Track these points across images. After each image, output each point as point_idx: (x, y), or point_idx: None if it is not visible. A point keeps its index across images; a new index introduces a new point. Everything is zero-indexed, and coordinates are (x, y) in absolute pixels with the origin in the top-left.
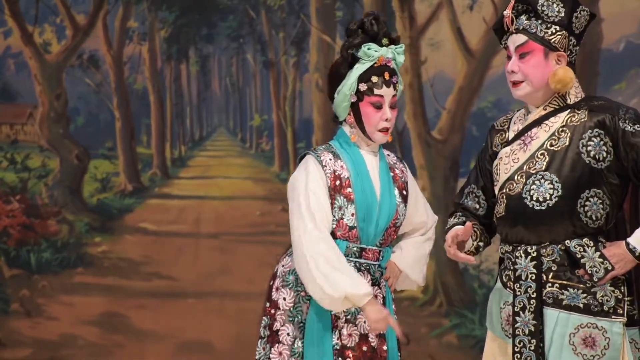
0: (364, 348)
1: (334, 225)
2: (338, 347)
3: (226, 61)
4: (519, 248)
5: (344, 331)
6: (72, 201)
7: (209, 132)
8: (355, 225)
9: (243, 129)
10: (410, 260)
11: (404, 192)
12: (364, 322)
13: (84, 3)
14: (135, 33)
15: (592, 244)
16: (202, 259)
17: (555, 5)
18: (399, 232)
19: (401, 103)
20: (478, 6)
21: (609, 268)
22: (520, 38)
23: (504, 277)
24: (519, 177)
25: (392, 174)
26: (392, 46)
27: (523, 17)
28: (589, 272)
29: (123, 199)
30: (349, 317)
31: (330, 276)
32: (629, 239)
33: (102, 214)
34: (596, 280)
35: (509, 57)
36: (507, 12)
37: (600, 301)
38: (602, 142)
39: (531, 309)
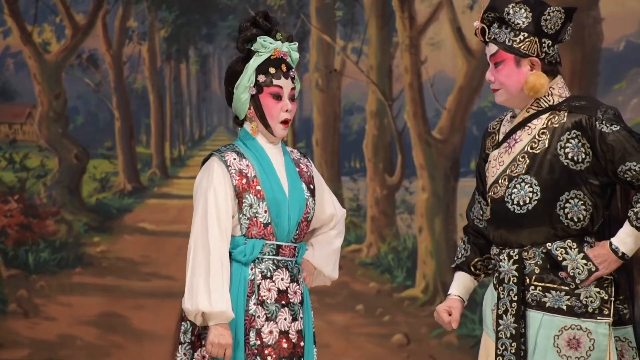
0: (284, 345)
1: (248, 225)
2: (257, 347)
3: (226, 61)
4: (503, 251)
5: (265, 329)
6: (71, 201)
7: (208, 131)
8: (270, 221)
9: None
10: (324, 257)
11: (311, 187)
12: (284, 319)
13: (83, 3)
14: (134, 33)
15: (575, 246)
16: None
17: (523, 10)
18: (310, 227)
19: (401, 103)
20: (478, 6)
21: (593, 269)
22: (492, 48)
23: (494, 278)
24: (502, 181)
25: (297, 169)
26: (287, 42)
27: (495, 26)
28: (571, 274)
29: (122, 199)
30: (269, 315)
31: (195, 288)
32: (612, 239)
33: (101, 213)
34: (579, 282)
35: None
36: (477, 24)
37: (585, 302)
38: (580, 144)
39: (513, 312)
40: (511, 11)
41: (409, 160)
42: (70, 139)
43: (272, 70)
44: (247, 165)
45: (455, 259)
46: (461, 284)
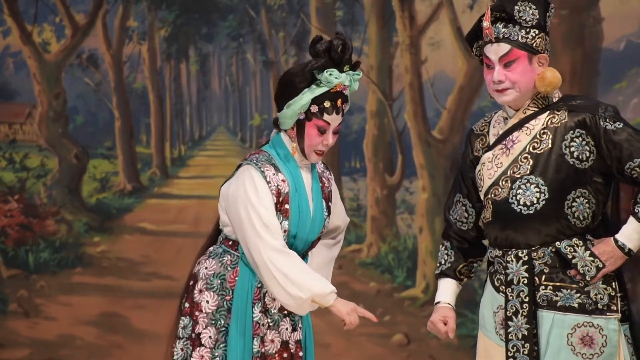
0: (285, 355)
1: None
2: (259, 354)
3: (226, 60)
4: (509, 252)
5: (267, 337)
6: (71, 201)
7: (208, 131)
8: (286, 240)
9: (243, 128)
10: (320, 264)
11: (329, 204)
12: (286, 328)
13: (83, 2)
14: (134, 32)
15: (581, 244)
16: None
17: (529, 8)
18: None
19: (401, 103)
20: (478, 6)
21: (600, 266)
22: (503, 47)
23: (495, 281)
24: (503, 182)
25: (320, 184)
26: (351, 72)
27: (500, 25)
28: (581, 271)
29: (122, 199)
30: (271, 324)
31: (297, 279)
32: (617, 236)
33: (101, 213)
34: (588, 279)
35: (489, 67)
36: (487, 24)
37: (594, 299)
38: (584, 142)
39: (524, 313)
40: (520, 8)
41: (409, 160)
42: (70, 139)
43: (327, 104)
44: (283, 181)
45: (439, 264)
46: (449, 290)
